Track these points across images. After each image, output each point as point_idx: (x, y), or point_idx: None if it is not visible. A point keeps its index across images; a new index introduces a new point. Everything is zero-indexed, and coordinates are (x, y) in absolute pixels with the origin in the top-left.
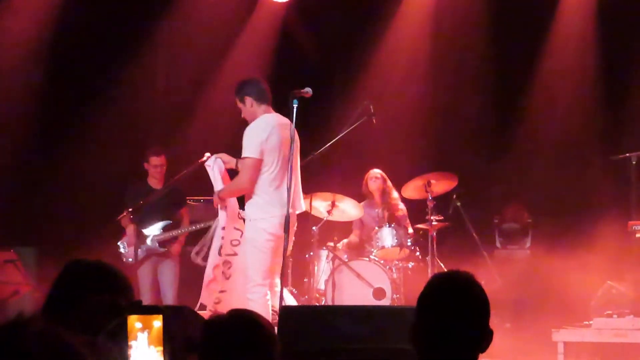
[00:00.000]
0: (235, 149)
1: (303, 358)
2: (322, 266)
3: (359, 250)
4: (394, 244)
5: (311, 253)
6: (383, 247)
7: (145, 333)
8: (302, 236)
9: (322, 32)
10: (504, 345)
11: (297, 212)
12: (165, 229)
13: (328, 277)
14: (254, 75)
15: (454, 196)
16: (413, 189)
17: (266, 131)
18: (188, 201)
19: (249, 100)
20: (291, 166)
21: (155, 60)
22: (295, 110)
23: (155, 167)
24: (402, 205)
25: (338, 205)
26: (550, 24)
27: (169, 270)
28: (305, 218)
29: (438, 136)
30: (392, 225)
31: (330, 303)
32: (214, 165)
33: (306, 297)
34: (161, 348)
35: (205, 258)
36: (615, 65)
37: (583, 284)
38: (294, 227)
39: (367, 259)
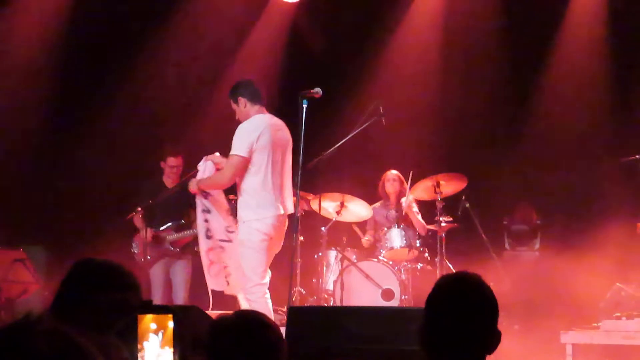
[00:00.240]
0: None
1: (311, 358)
2: (331, 267)
3: (373, 250)
4: (402, 245)
5: (320, 254)
6: (392, 248)
7: (160, 334)
8: (311, 237)
9: (332, 32)
10: (512, 346)
11: (287, 213)
12: (177, 229)
13: (337, 277)
14: (249, 77)
15: (463, 197)
16: (422, 189)
17: (257, 131)
18: None
19: (242, 100)
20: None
21: (166, 59)
22: (304, 110)
23: (172, 168)
24: (416, 208)
25: (347, 205)
26: (561, 25)
27: (182, 271)
28: (314, 218)
29: (448, 137)
30: (401, 226)
31: (338, 304)
32: (205, 168)
33: (315, 297)
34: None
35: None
36: (625, 66)
37: (592, 285)
38: (283, 228)
39: (376, 259)
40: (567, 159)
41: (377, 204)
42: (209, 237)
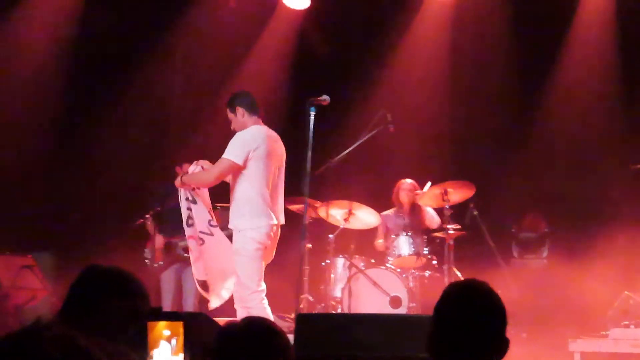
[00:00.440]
0: None
1: None
2: (339, 274)
3: (383, 256)
4: (410, 253)
5: (328, 261)
6: (400, 256)
7: (174, 341)
8: (319, 244)
9: (339, 39)
10: (521, 354)
11: (280, 224)
12: None
13: (344, 285)
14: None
15: (471, 205)
16: (430, 197)
17: (256, 141)
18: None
19: (240, 110)
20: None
21: (174, 65)
22: (312, 117)
23: None
24: (431, 214)
25: (355, 213)
26: (569, 31)
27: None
28: (322, 226)
29: (455, 145)
30: (409, 233)
31: (346, 311)
32: (195, 170)
33: (322, 304)
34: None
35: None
36: (634, 73)
37: (600, 293)
38: (276, 239)
39: (384, 267)
40: (576, 167)
41: (390, 211)
42: (189, 225)
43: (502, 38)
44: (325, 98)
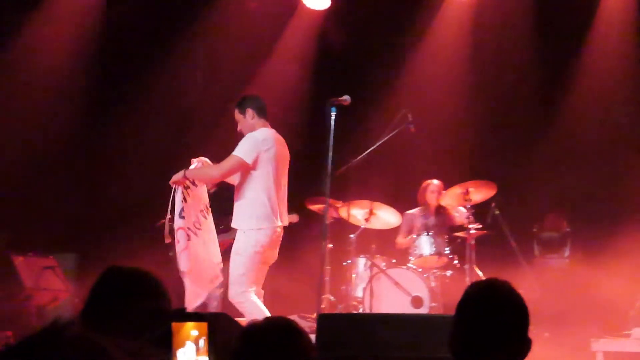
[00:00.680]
0: None
1: None
2: (360, 274)
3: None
4: (432, 252)
5: (349, 261)
6: (421, 256)
7: (202, 341)
8: (340, 244)
9: (359, 39)
10: (543, 354)
11: (284, 225)
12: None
13: (366, 285)
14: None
15: (493, 204)
16: (451, 197)
17: (267, 143)
18: None
19: (250, 112)
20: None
21: (195, 66)
22: (333, 118)
23: None
24: (461, 211)
25: (376, 213)
26: (590, 28)
27: None
28: (343, 226)
29: (477, 144)
30: (430, 233)
31: (368, 311)
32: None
33: (344, 305)
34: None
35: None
36: None
37: (622, 293)
38: (279, 240)
39: (405, 267)
40: (598, 166)
41: (416, 210)
42: (182, 217)
43: (523, 36)
44: (346, 98)
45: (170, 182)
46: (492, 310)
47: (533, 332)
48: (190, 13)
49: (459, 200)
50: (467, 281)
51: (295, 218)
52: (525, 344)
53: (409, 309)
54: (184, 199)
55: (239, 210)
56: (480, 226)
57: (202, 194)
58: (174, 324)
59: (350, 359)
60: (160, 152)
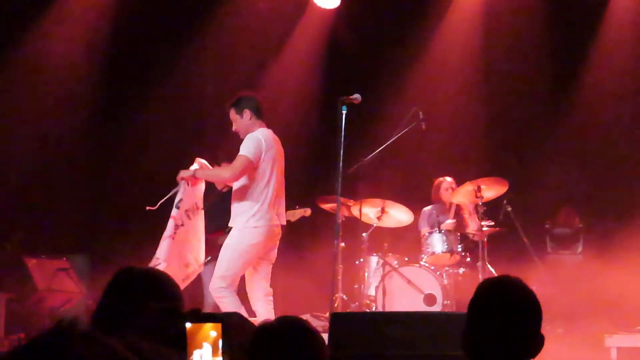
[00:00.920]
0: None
1: None
2: (373, 272)
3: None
4: (444, 250)
5: (361, 259)
6: (433, 253)
7: (221, 342)
8: (352, 242)
9: (370, 38)
10: (556, 350)
11: (282, 223)
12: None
13: (378, 283)
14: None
15: (505, 201)
16: (463, 194)
17: (268, 144)
18: None
19: (247, 113)
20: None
21: (205, 65)
22: (344, 116)
23: None
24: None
25: (388, 211)
26: (602, 23)
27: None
28: (355, 224)
29: (489, 141)
30: (442, 231)
31: (380, 309)
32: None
33: (357, 303)
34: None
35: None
36: None
37: (636, 289)
38: (278, 238)
39: (418, 265)
40: (610, 161)
41: (430, 207)
42: (177, 207)
43: (535, 32)
44: (357, 97)
45: (178, 177)
46: (504, 307)
47: (546, 329)
48: (201, 13)
49: (471, 197)
50: (480, 278)
51: (308, 212)
52: (538, 341)
53: (421, 307)
54: (182, 199)
55: (237, 208)
56: (492, 223)
57: (193, 196)
58: (192, 325)
59: (363, 357)
60: (172, 152)
